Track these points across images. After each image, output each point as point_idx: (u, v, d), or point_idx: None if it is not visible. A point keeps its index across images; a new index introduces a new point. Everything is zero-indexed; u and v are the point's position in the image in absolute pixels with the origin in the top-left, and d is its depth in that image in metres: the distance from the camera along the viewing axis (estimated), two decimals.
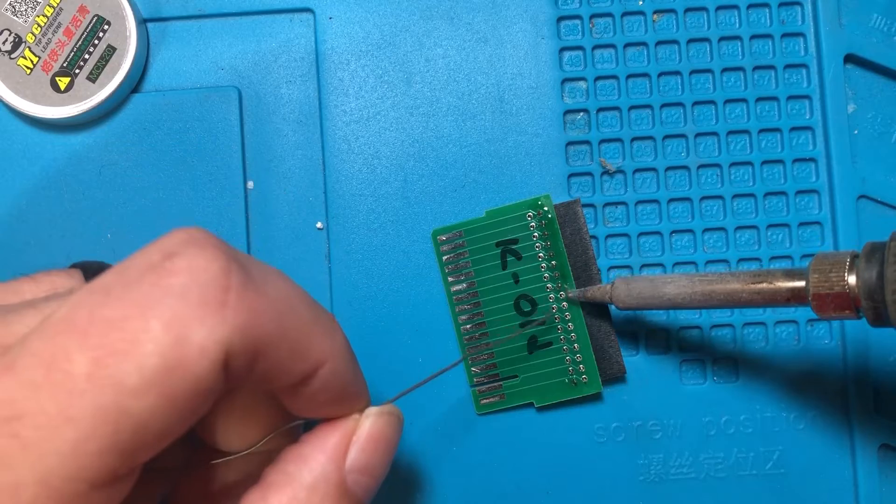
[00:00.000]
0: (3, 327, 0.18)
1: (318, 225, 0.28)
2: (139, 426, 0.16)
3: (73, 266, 0.23)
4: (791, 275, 0.22)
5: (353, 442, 0.20)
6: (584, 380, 0.27)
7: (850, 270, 0.21)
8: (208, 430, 0.21)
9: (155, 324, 0.16)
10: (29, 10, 0.27)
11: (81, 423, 0.15)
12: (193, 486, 0.22)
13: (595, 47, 0.28)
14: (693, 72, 0.28)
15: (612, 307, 0.27)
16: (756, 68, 0.28)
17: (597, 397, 0.27)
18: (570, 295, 0.27)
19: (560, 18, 0.28)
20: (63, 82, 0.27)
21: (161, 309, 0.16)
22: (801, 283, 0.22)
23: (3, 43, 0.27)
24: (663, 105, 0.28)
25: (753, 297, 0.22)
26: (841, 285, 0.21)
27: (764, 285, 0.22)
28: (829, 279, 0.21)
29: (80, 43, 0.27)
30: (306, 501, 0.19)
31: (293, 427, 0.22)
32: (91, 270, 0.22)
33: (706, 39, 0.28)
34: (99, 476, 0.16)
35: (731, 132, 0.28)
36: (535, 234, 0.27)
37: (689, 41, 0.28)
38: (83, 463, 0.15)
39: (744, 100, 0.28)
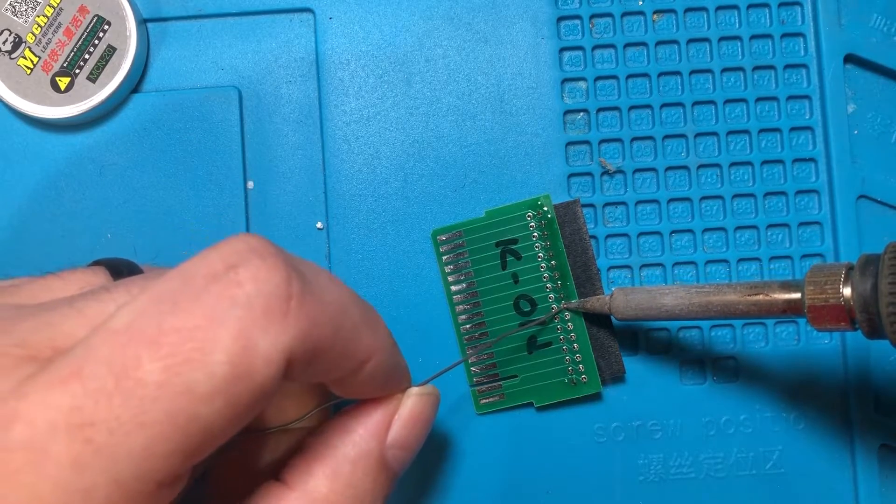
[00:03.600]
0: (50, 328, 0.18)
1: (318, 225, 0.28)
2: (205, 429, 0.17)
3: (97, 263, 0.23)
4: (787, 287, 0.22)
5: (394, 420, 0.22)
6: (584, 380, 0.27)
7: (846, 282, 0.21)
8: None
9: (224, 334, 0.16)
10: (29, 10, 0.27)
11: (153, 428, 0.16)
12: (231, 462, 0.23)
13: (595, 47, 0.28)
14: (693, 72, 0.28)
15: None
16: (756, 68, 0.28)
17: (596, 397, 0.27)
18: (569, 306, 0.27)
19: (560, 18, 0.28)
20: (63, 82, 0.27)
21: (229, 319, 0.17)
22: (797, 295, 0.22)
23: (4, 43, 0.27)
24: (663, 105, 0.28)
25: (750, 308, 0.23)
26: (836, 298, 0.21)
27: (760, 297, 0.22)
28: (825, 291, 0.21)
29: (80, 43, 0.27)
30: (349, 474, 0.20)
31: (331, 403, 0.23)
32: (118, 269, 0.22)
33: (706, 39, 0.28)
34: (166, 475, 0.16)
35: (730, 132, 0.28)
36: (535, 234, 0.27)
37: (689, 41, 0.28)
38: (153, 465, 0.16)
39: (744, 100, 0.28)
